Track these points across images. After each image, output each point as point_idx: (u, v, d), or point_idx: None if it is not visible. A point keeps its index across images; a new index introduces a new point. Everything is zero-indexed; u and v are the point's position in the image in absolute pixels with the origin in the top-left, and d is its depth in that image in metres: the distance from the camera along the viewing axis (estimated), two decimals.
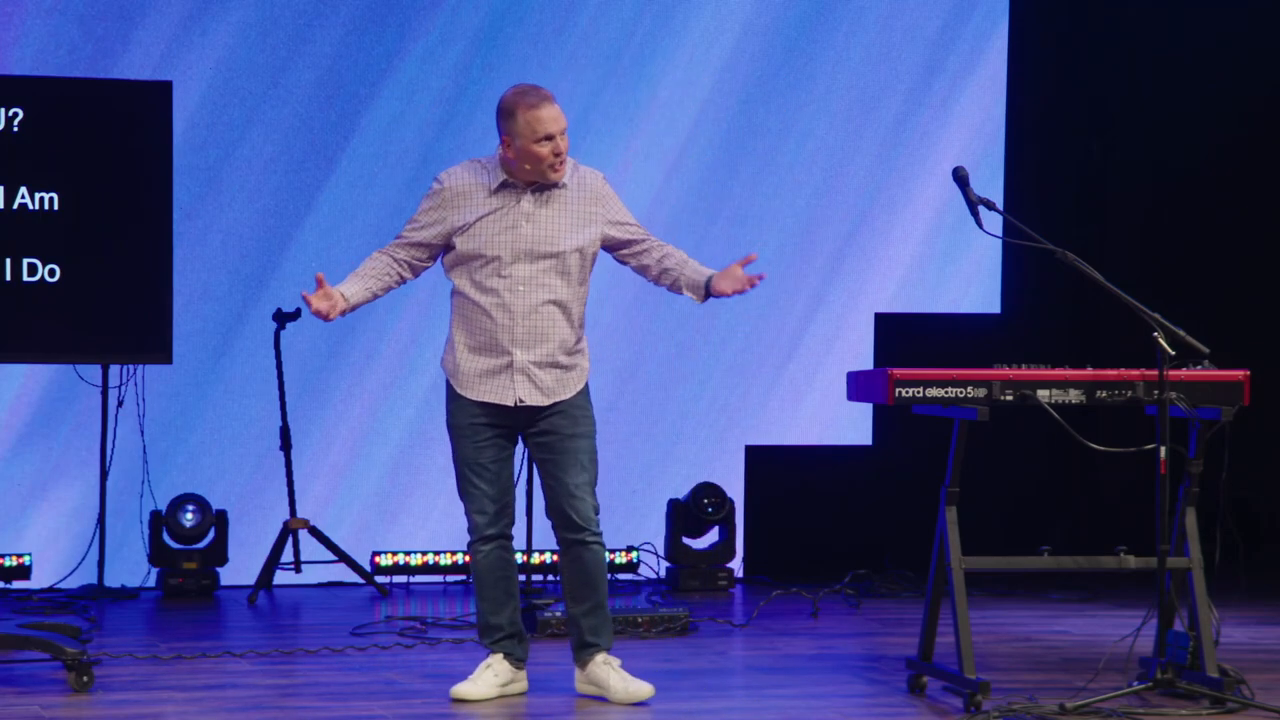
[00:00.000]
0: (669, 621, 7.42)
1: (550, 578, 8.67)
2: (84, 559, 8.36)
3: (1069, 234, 8.04)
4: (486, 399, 5.97)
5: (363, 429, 8.83)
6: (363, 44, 8.76)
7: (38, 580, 8.43)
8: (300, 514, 8.52)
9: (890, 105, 9.29)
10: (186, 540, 8.43)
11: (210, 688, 6.22)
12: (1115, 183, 9.70)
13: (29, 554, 8.45)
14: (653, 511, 8.96)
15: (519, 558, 8.62)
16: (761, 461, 9.23)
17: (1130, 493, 8.74)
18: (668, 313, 8.97)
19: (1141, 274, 8.92)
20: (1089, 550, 6.46)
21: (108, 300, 8.11)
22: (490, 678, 6.04)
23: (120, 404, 8.38)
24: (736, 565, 9.00)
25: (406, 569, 8.75)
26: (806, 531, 9.23)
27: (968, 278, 9.40)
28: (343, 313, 5.93)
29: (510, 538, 6.08)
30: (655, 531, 8.97)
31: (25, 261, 8.04)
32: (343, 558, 8.49)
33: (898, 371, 5.98)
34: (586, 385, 6.07)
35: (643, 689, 5.97)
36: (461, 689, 6.02)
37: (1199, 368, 6.08)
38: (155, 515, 8.43)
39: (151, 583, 8.49)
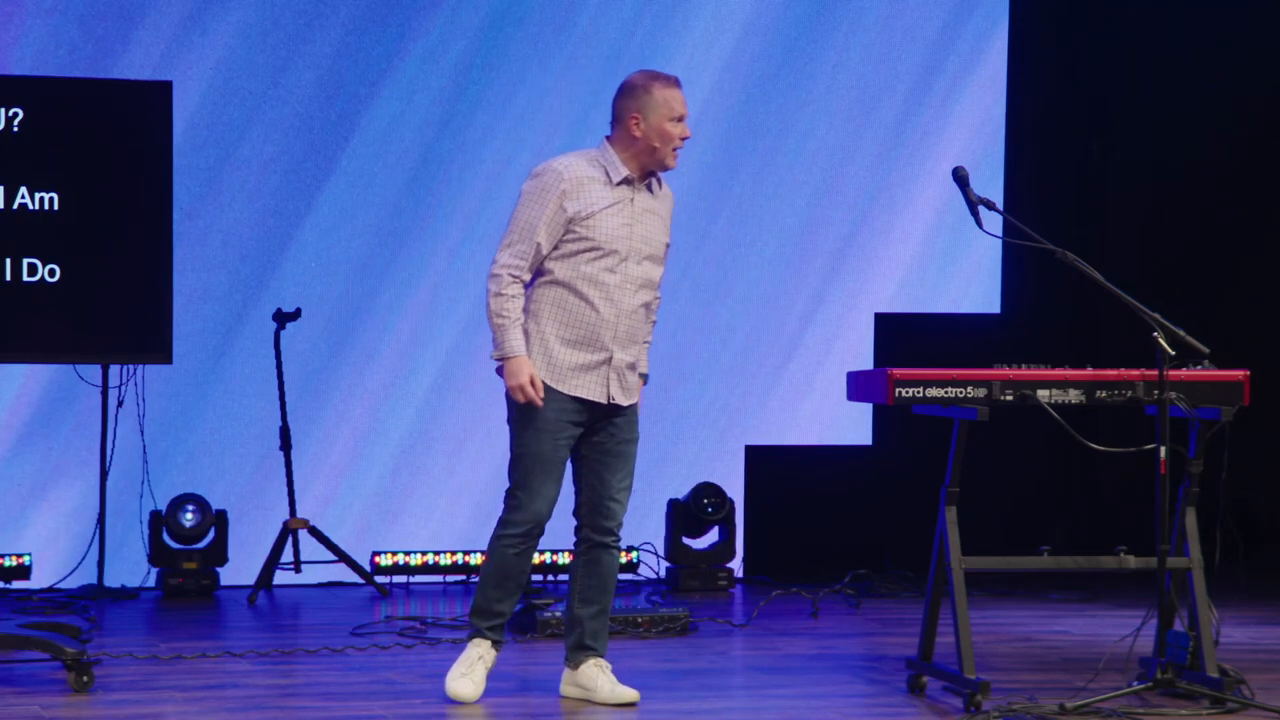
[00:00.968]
0: (669, 621, 7.42)
1: (550, 578, 8.67)
2: (84, 559, 8.36)
3: (1069, 234, 8.04)
4: (580, 394, 5.85)
5: (363, 429, 8.82)
6: (363, 44, 8.76)
7: (38, 580, 8.43)
8: (300, 514, 8.52)
9: (890, 105, 9.29)
10: (186, 540, 8.43)
11: (210, 688, 6.22)
12: (1115, 183, 9.70)
13: (29, 554, 8.45)
14: (653, 511, 8.96)
15: None
16: (761, 461, 9.23)
17: (1130, 493, 8.75)
18: (668, 313, 8.93)
19: (1141, 274, 8.92)
20: (1089, 550, 6.46)
21: (108, 300, 8.11)
22: (482, 670, 5.98)
23: (120, 404, 8.38)
24: (736, 565, 9.00)
25: (406, 569, 8.75)
26: (806, 531, 9.23)
27: (968, 278, 9.40)
28: None
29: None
30: (655, 531, 8.97)
31: (25, 261, 8.04)
32: (343, 558, 8.49)
33: (898, 371, 5.98)
34: None
35: (630, 693, 5.96)
36: (462, 690, 5.94)
37: (1199, 368, 6.08)
38: (155, 515, 8.43)
39: (151, 583, 8.49)
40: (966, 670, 5.92)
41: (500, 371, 5.85)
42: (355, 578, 8.60)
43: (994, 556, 6.34)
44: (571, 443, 5.90)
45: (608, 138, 5.93)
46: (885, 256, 9.31)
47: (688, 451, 9.13)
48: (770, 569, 9.02)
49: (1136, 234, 9.64)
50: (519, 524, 5.89)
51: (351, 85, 8.76)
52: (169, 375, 8.48)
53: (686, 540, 8.88)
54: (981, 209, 6.07)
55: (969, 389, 5.98)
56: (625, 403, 5.91)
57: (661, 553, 8.94)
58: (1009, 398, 6.00)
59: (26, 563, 8.44)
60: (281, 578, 8.53)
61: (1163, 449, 5.88)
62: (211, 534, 8.45)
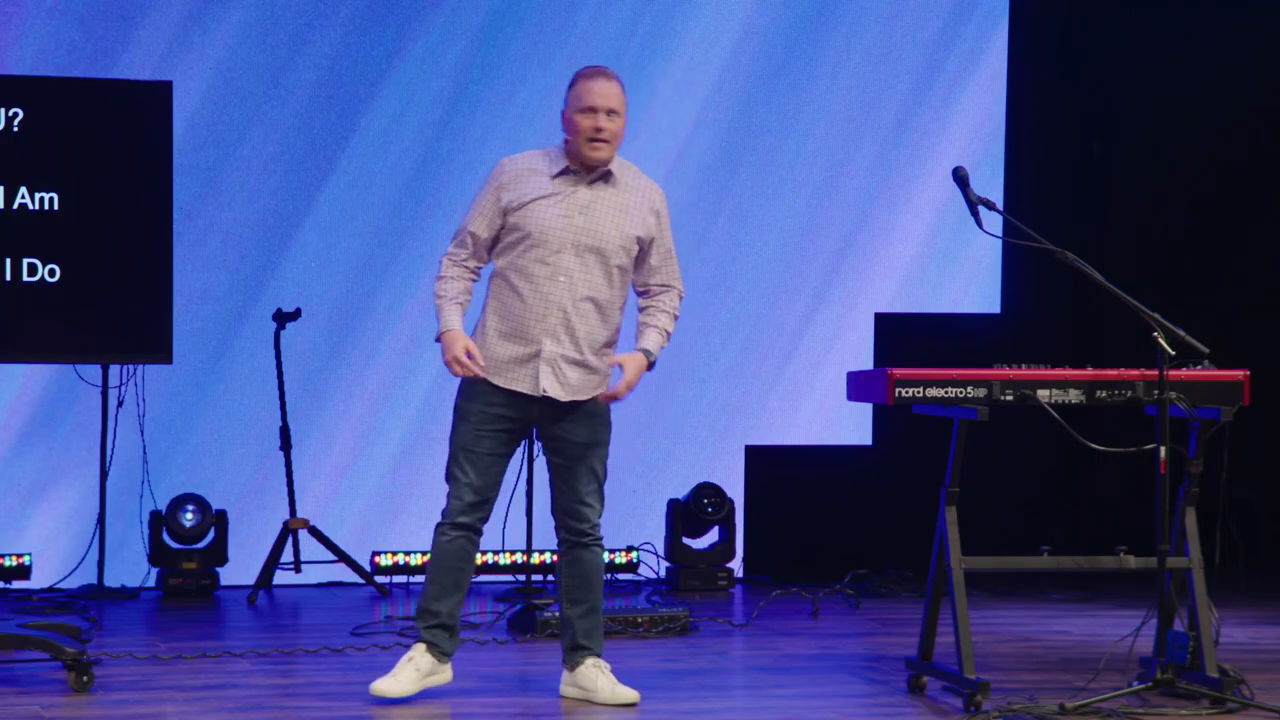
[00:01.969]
0: (669, 621, 7.43)
1: (550, 578, 8.67)
2: (84, 559, 8.36)
3: (1069, 234, 8.04)
4: (513, 386, 5.88)
5: (363, 429, 8.82)
6: (363, 44, 8.76)
7: (38, 580, 8.43)
8: (300, 514, 8.52)
9: (890, 105, 9.29)
10: (186, 540, 8.43)
11: (210, 688, 6.22)
12: (1115, 183, 9.70)
13: (29, 554, 8.45)
14: (653, 511, 8.96)
15: (519, 558, 8.70)
16: (761, 461, 9.23)
17: (1130, 493, 8.75)
18: None
19: (1141, 274, 8.92)
20: (1089, 550, 6.46)
21: (108, 300, 8.11)
22: (411, 671, 5.97)
23: (120, 404, 8.37)
24: (736, 565, 9.00)
25: (406, 569, 8.75)
26: (806, 531, 9.23)
27: (968, 278, 9.40)
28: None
29: (479, 533, 6.00)
30: (655, 531, 8.97)
31: (25, 261, 8.03)
32: (343, 558, 8.49)
33: (898, 371, 5.98)
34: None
35: (630, 694, 5.96)
36: (382, 685, 5.93)
37: (1199, 368, 6.08)
38: (155, 515, 8.43)
39: (151, 583, 8.49)
40: (966, 670, 5.92)
41: None
42: (355, 578, 8.60)
43: (994, 556, 6.34)
44: (502, 438, 5.92)
45: None
46: (885, 256, 9.31)
47: (688, 451, 9.13)
48: (770, 569, 9.02)
49: (1136, 234, 9.64)
50: (448, 512, 5.97)
51: (351, 85, 8.76)
52: (169, 375, 8.48)
53: (686, 540, 8.88)
54: (981, 209, 6.08)
55: (969, 389, 5.98)
56: (564, 398, 5.89)
57: (661, 553, 8.94)
58: (1009, 398, 6.00)
59: (26, 563, 8.44)
60: (281, 578, 8.53)
61: (1163, 449, 5.88)
62: (211, 534, 8.45)
